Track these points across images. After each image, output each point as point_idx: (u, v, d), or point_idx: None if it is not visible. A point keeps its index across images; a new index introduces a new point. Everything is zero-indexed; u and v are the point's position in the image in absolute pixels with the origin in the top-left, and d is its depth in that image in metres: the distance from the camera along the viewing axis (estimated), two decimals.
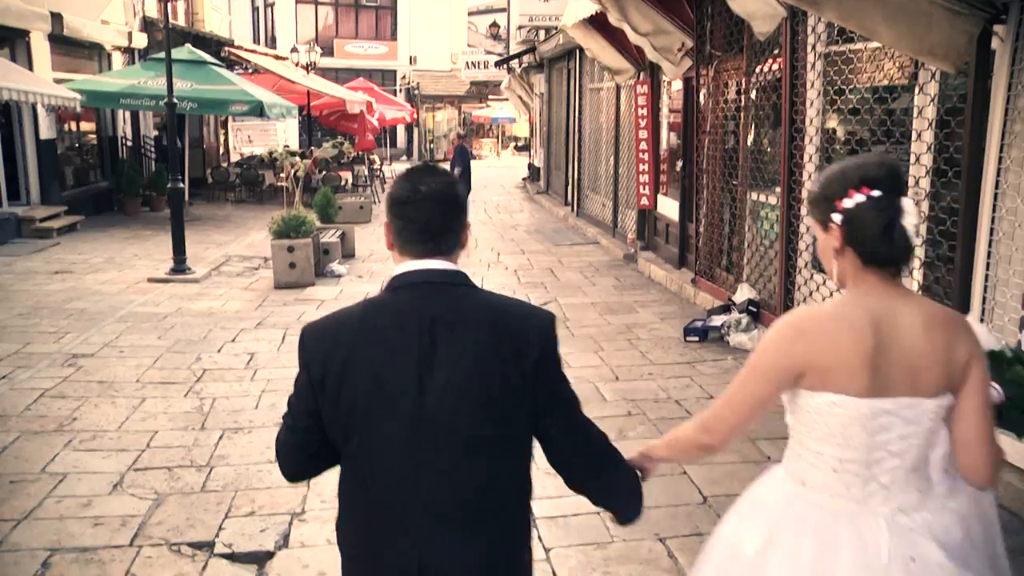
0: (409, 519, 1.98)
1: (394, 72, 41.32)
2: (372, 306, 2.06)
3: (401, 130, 39.56)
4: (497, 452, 2.01)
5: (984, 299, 4.84)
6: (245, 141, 28.73)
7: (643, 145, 11.89)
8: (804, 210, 7.20)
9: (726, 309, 8.34)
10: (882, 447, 2.07)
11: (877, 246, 2.02)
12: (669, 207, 11.45)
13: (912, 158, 5.67)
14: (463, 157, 15.15)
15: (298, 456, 2.14)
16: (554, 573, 4.00)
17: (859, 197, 2.02)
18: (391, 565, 2.01)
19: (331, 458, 2.11)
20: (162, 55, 12.71)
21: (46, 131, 14.95)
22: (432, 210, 2.00)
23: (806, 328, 2.10)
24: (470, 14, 46.35)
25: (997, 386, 2.33)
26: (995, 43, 4.71)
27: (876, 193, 2.01)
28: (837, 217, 2.06)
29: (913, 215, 2.02)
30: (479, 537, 2.00)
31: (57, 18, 14.68)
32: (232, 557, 4.15)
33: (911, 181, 5.67)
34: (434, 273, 2.01)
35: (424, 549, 1.97)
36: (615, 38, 11.44)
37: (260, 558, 4.14)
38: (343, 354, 1.97)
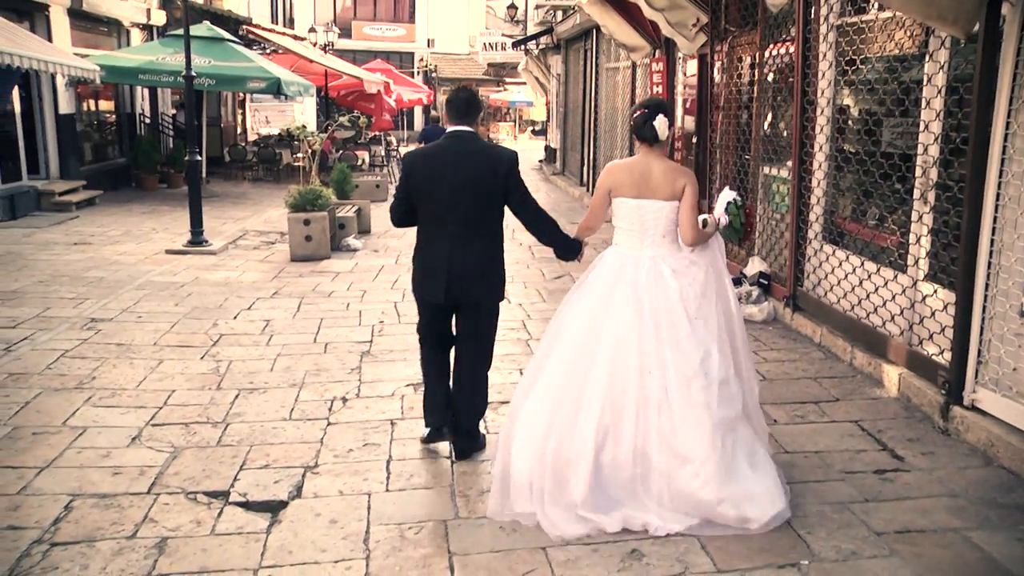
0: (443, 238, 4.57)
1: (412, 54, 41.40)
2: (434, 146, 4.69)
3: (418, 112, 39.60)
4: (483, 211, 4.59)
5: (990, 264, 4.88)
6: (263, 121, 28.85)
7: None
8: (815, 182, 7.23)
9: (737, 282, 8.38)
10: (645, 223, 4.29)
11: (641, 133, 4.33)
12: None
13: (921, 125, 5.70)
14: (427, 137, 16.03)
15: (400, 213, 4.75)
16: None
17: (636, 114, 4.37)
18: (437, 256, 4.59)
19: (412, 218, 4.71)
20: (180, 32, 12.83)
21: (65, 105, 15.11)
22: (460, 104, 4.65)
23: (612, 170, 4.43)
24: None
25: (723, 215, 4.54)
26: (1005, 8, 4.73)
27: (642, 113, 4.33)
28: (631, 123, 4.50)
29: (660, 122, 4.26)
30: (475, 246, 4.60)
31: None
32: (246, 505, 4.25)
33: (920, 148, 5.71)
34: (461, 131, 4.63)
35: (451, 249, 4.56)
36: (631, 15, 11.47)
37: (273, 507, 4.24)
38: (419, 165, 4.63)
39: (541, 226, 4.75)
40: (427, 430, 4.88)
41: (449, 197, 4.50)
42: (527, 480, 4.05)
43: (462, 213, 4.52)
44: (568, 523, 3.94)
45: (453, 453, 4.85)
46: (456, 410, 4.80)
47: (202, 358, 6.63)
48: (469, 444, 4.82)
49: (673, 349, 4.07)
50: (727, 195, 4.61)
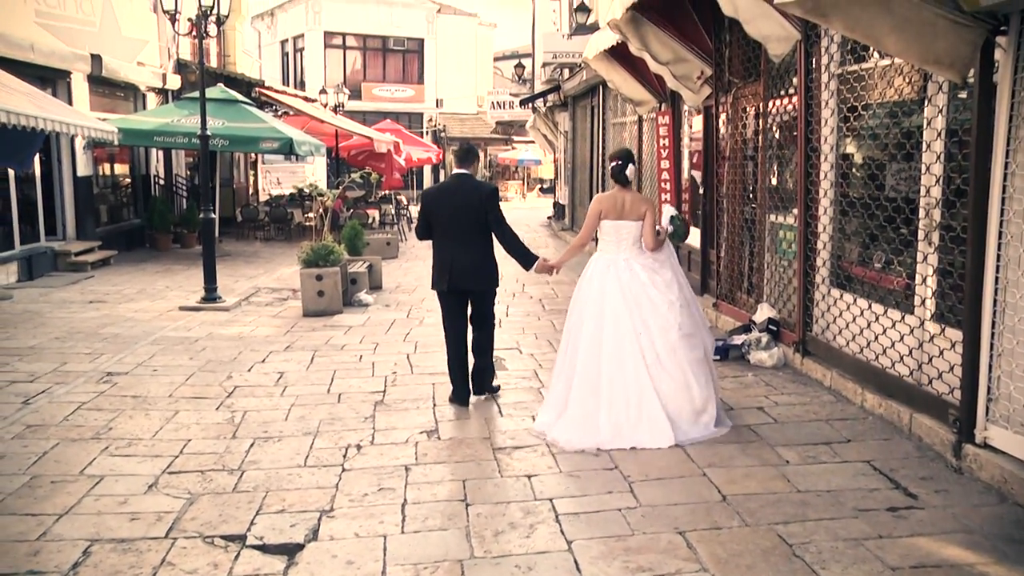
0: (448, 246, 6.58)
1: (421, 115, 41.99)
2: (443, 184, 6.89)
3: (428, 171, 40.05)
4: (474, 226, 6.53)
5: (995, 301, 4.94)
6: (274, 183, 29.27)
7: (665, 175, 12.08)
8: (821, 227, 7.33)
9: (747, 329, 8.45)
10: (621, 236, 6.16)
11: (617, 176, 6.25)
12: (691, 235, 11.56)
13: (923, 168, 5.80)
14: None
15: (422, 229, 6.75)
16: (576, 562, 4.10)
17: (611, 163, 6.36)
18: (444, 258, 6.59)
19: (429, 233, 6.71)
20: (195, 94, 13.14)
21: (83, 168, 15.40)
22: (461, 154, 6.81)
23: (600, 200, 6.28)
24: (496, 59, 47.11)
25: (668, 225, 6.35)
26: (998, 53, 4.85)
27: (617, 162, 6.27)
28: (609, 169, 6.38)
29: (630, 170, 6.25)
30: (470, 250, 6.56)
31: (97, 60, 15.22)
32: (263, 548, 4.29)
33: (922, 191, 5.81)
34: (461, 173, 6.67)
35: (453, 253, 6.56)
36: (636, 69, 11.69)
37: (290, 550, 4.27)
38: (432, 196, 6.77)
39: (508, 240, 6.63)
40: (451, 396, 6.86)
41: (451, 217, 6.56)
42: (576, 414, 5.93)
43: (460, 228, 6.56)
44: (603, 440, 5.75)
45: (467, 497, 4.90)
46: (475, 367, 6.87)
47: (217, 409, 6.70)
48: (487, 383, 6.97)
49: (651, 316, 6.00)
50: (669, 211, 6.58)
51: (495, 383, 7.10)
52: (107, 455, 5.60)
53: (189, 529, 4.49)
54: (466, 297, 6.72)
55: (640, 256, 6.17)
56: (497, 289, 6.84)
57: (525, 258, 6.68)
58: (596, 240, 6.44)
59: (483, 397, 6.91)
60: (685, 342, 5.99)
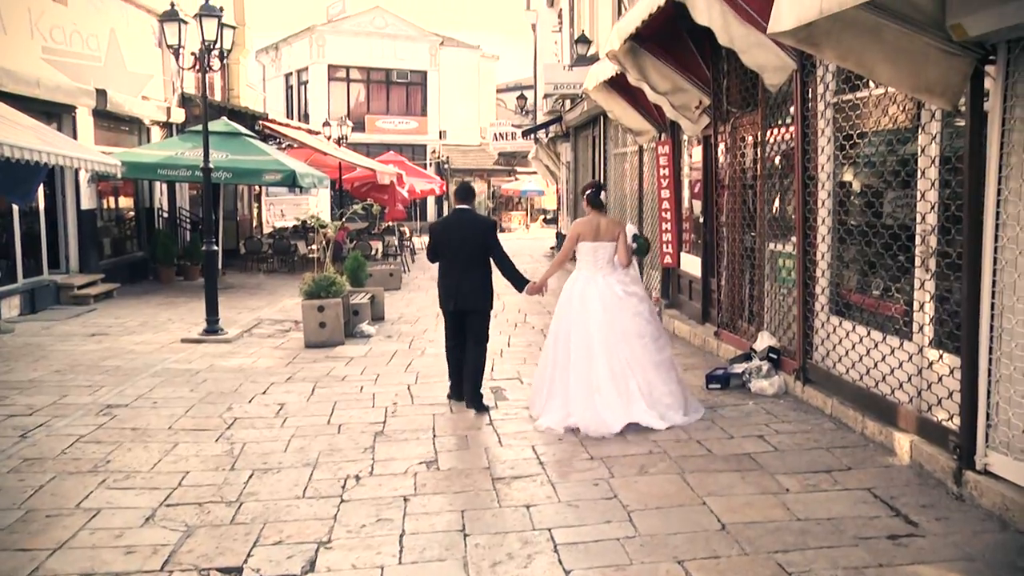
0: (452, 272, 7.58)
1: (424, 146, 42.23)
2: (448, 217, 7.94)
3: (431, 202, 40.21)
4: (476, 255, 7.53)
5: (992, 327, 4.93)
6: (278, 215, 29.38)
7: (665, 205, 12.12)
8: (819, 255, 7.34)
9: (747, 357, 8.44)
10: (598, 256, 7.19)
11: (593, 202, 7.35)
12: (692, 264, 11.61)
13: (918, 195, 5.81)
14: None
15: (432, 255, 7.77)
16: None
17: (586, 192, 7.50)
18: (449, 284, 7.60)
19: (437, 259, 7.75)
20: (199, 128, 13.21)
21: (87, 201, 15.50)
22: (462, 192, 7.94)
23: (578, 225, 7.29)
24: (499, 91, 47.43)
25: (633, 243, 7.50)
26: (988, 82, 4.89)
27: (592, 190, 7.44)
28: (583, 198, 7.52)
29: (603, 196, 7.61)
30: (472, 276, 7.50)
31: (102, 94, 15.33)
32: None
33: (918, 218, 5.82)
34: (463, 208, 7.76)
35: (458, 278, 7.53)
36: (636, 99, 11.75)
37: None
38: (439, 229, 7.81)
39: (504, 267, 7.68)
40: (450, 392, 7.96)
41: (456, 247, 7.56)
42: (581, 404, 6.82)
43: (464, 256, 7.54)
44: (597, 424, 6.71)
45: (465, 528, 4.87)
46: (464, 379, 7.67)
47: (216, 440, 6.69)
48: (475, 405, 7.56)
49: (625, 324, 7.01)
50: (631, 229, 7.77)
51: (485, 406, 7.64)
52: (104, 488, 5.59)
53: (185, 562, 4.47)
54: (466, 316, 7.61)
55: (614, 273, 7.23)
56: (491, 311, 7.81)
57: (518, 281, 7.70)
58: (574, 258, 7.48)
59: (478, 413, 7.50)
60: (652, 346, 7.07)
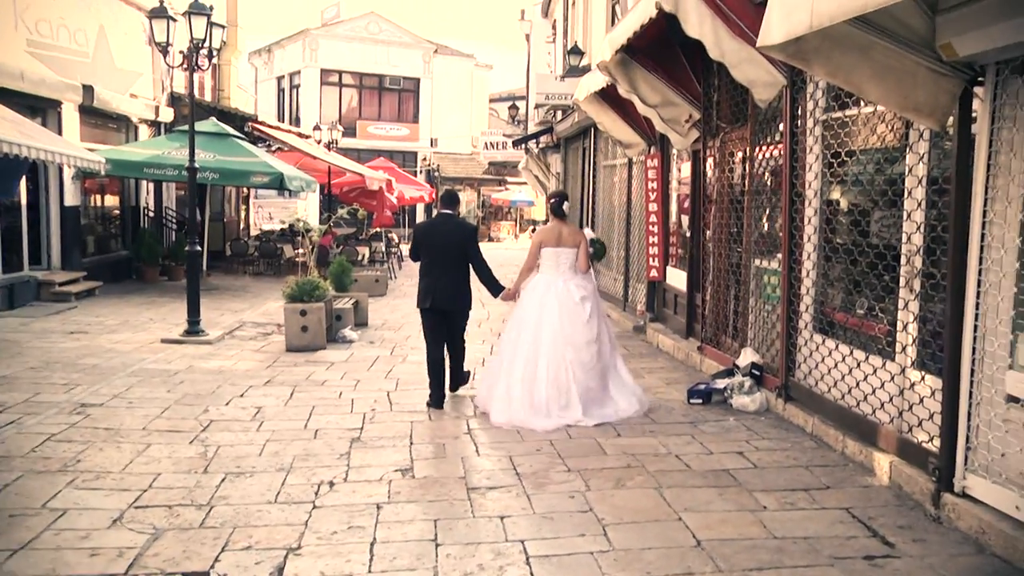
0: (433, 272, 7.95)
1: (415, 153, 42.19)
2: (433, 220, 8.54)
3: (420, 209, 40.15)
4: (456, 258, 7.96)
5: (974, 349, 4.90)
6: (266, 218, 29.27)
7: (653, 218, 12.09)
8: (805, 273, 7.31)
9: (730, 373, 8.39)
10: (559, 261, 7.74)
11: (555, 211, 7.97)
12: (677, 278, 11.57)
13: (904, 215, 5.79)
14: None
15: (415, 255, 8.14)
16: None
17: (550, 201, 8.19)
18: (427, 283, 7.94)
19: (421, 258, 8.09)
20: (187, 127, 13.11)
21: (71, 198, 15.37)
22: (447, 197, 8.50)
23: (541, 232, 7.96)
24: (492, 100, 47.46)
25: (590, 247, 8.04)
26: (976, 103, 4.87)
27: (555, 199, 8.06)
28: (548, 205, 8.84)
29: (565, 206, 8.00)
30: (450, 277, 7.93)
31: (88, 90, 15.22)
32: None
33: (904, 238, 5.79)
34: (446, 213, 8.24)
35: (437, 278, 7.92)
36: (626, 112, 11.73)
37: None
38: (423, 231, 8.32)
39: (482, 271, 8.07)
40: (429, 399, 7.99)
41: (438, 249, 7.95)
42: (520, 402, 7.32)
43: (444, 258, 7.94)
44: (542, 422, 7.19)
45: (437, 537, 4.80)
46: (451, 371, 8.28)
47: (191, 443, 6.60)
48: (458, 379, 8.41)
49: (576, 329, 7.50)
50: (589, 233, 8.74)
51: (466, 372, 8.59)
52: (73, 488, 5.49)
53: (151, 566, 4.38)
54: (443, 316, 8.02)
55: (574, 278, 7.74)
56: (470, 312, 8.27)
57: (494, 286, 8.17)
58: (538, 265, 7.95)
59: (457, 395, 8.36)
60: (601, 348, 7.64)
